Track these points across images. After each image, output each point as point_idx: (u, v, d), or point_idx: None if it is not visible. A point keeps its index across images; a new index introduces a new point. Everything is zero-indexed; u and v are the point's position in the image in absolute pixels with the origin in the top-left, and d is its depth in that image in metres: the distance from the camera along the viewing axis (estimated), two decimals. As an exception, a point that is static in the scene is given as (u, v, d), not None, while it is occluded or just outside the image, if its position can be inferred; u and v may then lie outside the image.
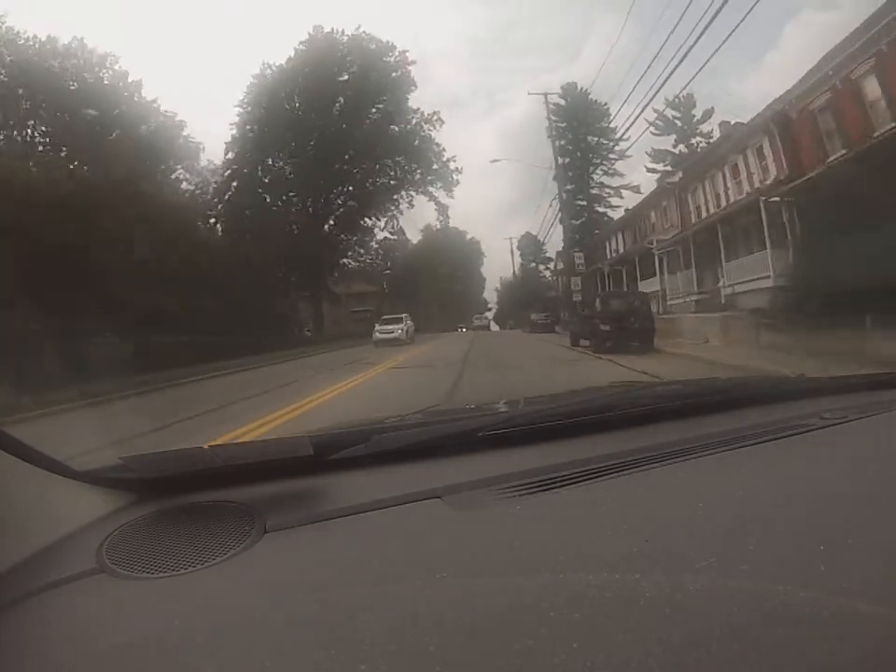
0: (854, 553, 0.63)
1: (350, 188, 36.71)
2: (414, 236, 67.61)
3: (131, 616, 0.62)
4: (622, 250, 32.16)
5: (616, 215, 37.91)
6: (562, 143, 33.77)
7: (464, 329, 59.68)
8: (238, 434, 4.60)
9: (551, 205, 40.63)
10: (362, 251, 40.83)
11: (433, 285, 67.27)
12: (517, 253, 65.60)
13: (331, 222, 37.05)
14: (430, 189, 37.13)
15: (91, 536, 0.76)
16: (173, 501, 0.86)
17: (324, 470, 0.95)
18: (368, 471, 0.96)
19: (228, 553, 0.71)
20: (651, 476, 0.90)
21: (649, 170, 35.34)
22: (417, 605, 0.57)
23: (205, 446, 0.95)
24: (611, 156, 35.98)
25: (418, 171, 37.24)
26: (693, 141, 33.26)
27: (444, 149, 36.46)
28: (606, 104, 34.49)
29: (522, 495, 0.84)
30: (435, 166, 36.63)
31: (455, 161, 36.65)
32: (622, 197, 38.55)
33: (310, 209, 35.61)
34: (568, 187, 34.75)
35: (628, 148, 32.57)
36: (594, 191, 39.01)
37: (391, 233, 62.03)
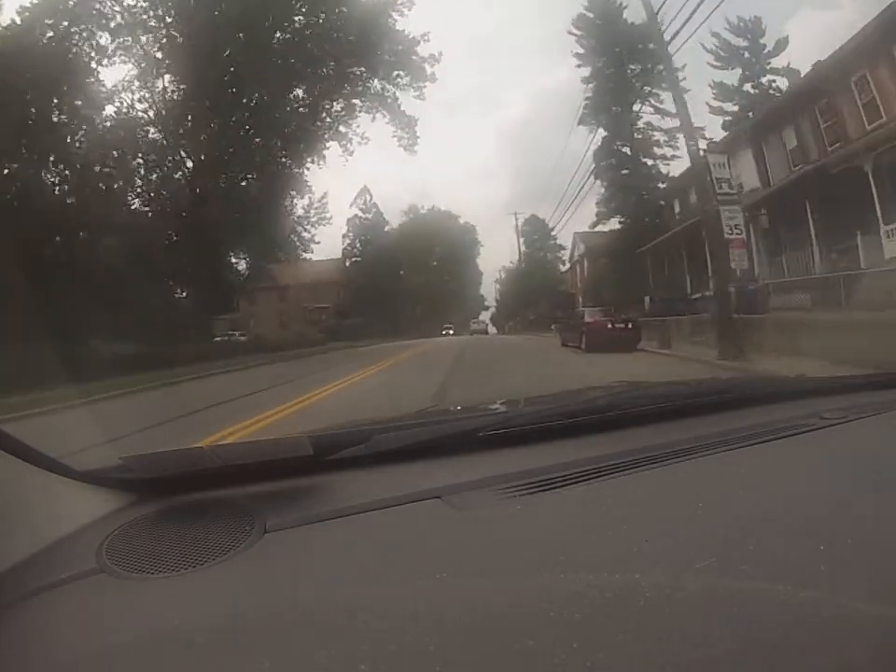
0: (854, 553, 0.63)
1: (267, 117, 21.94)
2: (396, 219, 56.90)
3: (131, 616, 0.62)
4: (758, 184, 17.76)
5: (673, 168, 27.02)
6: (598, 65, 25.88)
7: (450, 333, 46.79)
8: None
9: (576, 174, 34.19)
10: (266, 210, 23.73)
11: (418, 277, 54.48)
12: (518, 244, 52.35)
13: (240, 175, 22.72)
14: (386, 89, 23.20)
15: (90, 536, 0.76)
16: (173, 501, 0.86)
17: (324, 470, 0.95)
18: (368, 471, 0.96)
19: (228, 553, 0.71)
20: (650, 476, 0.90)
21: (712, 110, 25.50)
22: (417, 605, 0.57)
23: (205, 446, 0.95)
24: (663, 86, 24.44)
25: (374, 75, 23.01)
26: (765, 80, 24.25)
27: (410, 34, 22.86)
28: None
29: (522, 495, 0.84)
30: (399, 47, 22.79)
31: (427, 39, 22.90)
32: (676, 146, 27.08)
33: (201, 157, 20.92)
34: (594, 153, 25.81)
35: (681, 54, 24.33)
36: (638, 136, 27.52)
37: (362, 210, 51.99)
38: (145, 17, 20.51)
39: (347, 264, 51.51)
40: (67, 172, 18.03)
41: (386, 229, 54.65)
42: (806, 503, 0.79)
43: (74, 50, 18.74)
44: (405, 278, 54.28)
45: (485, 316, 65.42)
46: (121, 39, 20.34)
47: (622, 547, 0.67)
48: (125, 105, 20.75)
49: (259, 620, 0.57)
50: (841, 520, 0.72)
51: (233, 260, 25.43)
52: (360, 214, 53.94)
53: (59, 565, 0.70)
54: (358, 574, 0.66)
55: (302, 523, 0.79)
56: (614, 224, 29.27)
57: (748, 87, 24.66)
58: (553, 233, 44.29)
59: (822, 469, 0.95)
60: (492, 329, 55.67)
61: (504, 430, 1.09)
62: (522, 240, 49.23)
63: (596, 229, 30.78)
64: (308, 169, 25.22)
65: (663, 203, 26.88)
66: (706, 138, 23.15)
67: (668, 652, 0.47)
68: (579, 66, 27.33)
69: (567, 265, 46.76)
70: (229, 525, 0.78)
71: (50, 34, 18.35)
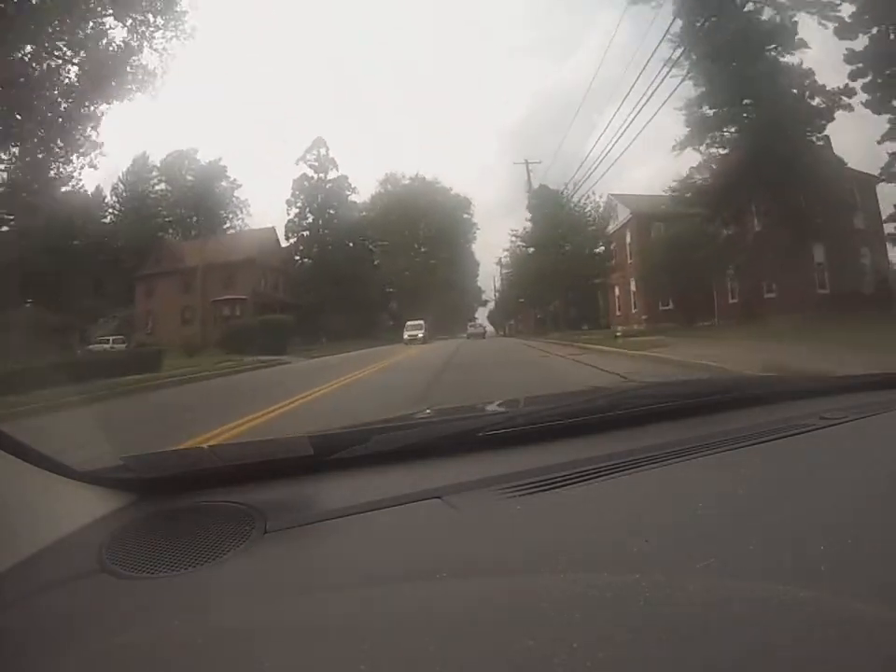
0: (854, 553, 0.63)
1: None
2: (368, 190, 42.54)
3: (131, 616, 0.62)
4: None
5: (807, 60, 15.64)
6: None
7: (418, 336, 29.57)
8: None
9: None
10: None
11: (397, 262, 41.81)
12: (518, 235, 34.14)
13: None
14: None
15: (90, 536, 0.76)
16: (173, 501, 0.86)
17: (324, 470, 0.95)
18: (368, 471, 0.96)
19: (228, 554, 0.71)
20: (651, 476, 0.90)
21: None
22: (417, 605, 0.57)
23: (205, 446, 0.95)
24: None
25: None
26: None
27: None
28: None
29: (522, 495, 0.84)
30: None
31: None
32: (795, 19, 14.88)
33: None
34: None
35: None
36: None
37: (314, 168, 36.29)
38: None
39: (291, 240, 37.31)
40: None
41: (353, 198, 39.98)
42: (806, 503, 0.79)
43: None
44: (378, 263, 40.63)
45: (483, 314, 53.94)
46: None
47: (622, 547, 0.66)
48: None
49: (258, 620, 0.57)
50: (841, 520, 0.72)
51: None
52: (312, 174, 38.25)
53: (59, 565, 0.70)
54: (358, 574, 0.66)
55: (302, 523, 0.79)
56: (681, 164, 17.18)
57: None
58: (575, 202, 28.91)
59: (822, 468, 0.95)
60: (490, 330, 44.16)
61: (504, 430, 1.09)
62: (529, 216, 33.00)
63: (690, 150, 16.86)
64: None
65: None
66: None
67: (668, 652, 0.47)
68: None
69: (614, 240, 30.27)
70: (229, 525, 0.78)
71: None
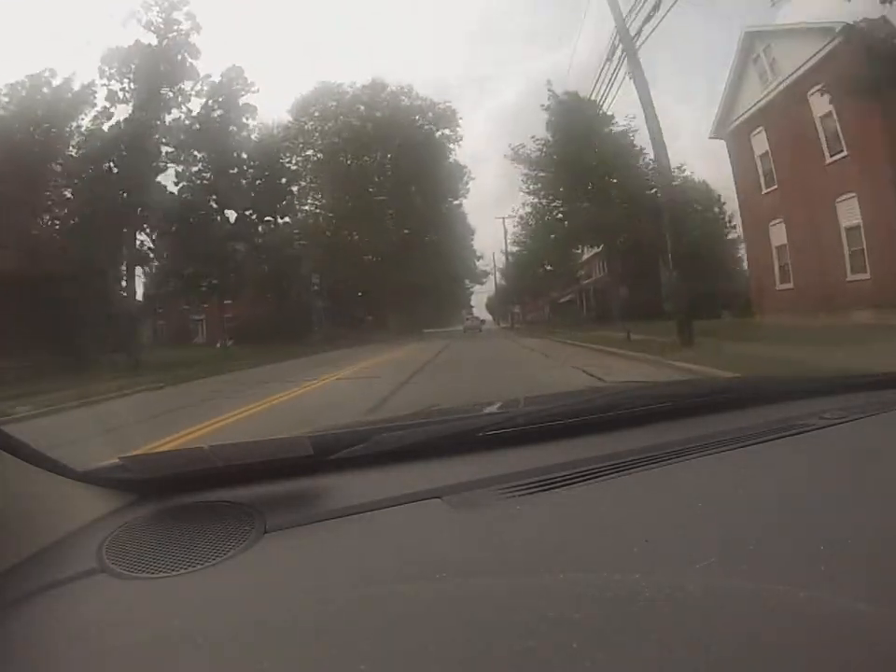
0: (854, 553, 0.63)
1: None
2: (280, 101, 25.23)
3: (131, 616, 0.62)
4: None
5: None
6: None
7: None
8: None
9: None
10: None
11: (340, 215, 25.72)
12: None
13: None
14: None
15: (90, 536, 0.76)
16: (172, 501, 0.86)
17: (324, 470, 0.95)
18: (368, 471, 0.96)
19: (228, 554, 0.71)
20: (651, 476, 0.90)
21: None
22: (417, 605, 0.57)
23: (205, 446, 0.95)
24: None
25: None
26: None
27: None
28: None
29: (522, 495, 0.84)
30: None
31: None
32: None
33: None
34: None
35: None
36: None
37: (155, 31, 19.31)
38: None
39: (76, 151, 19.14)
40: None
41: (245, 99, 22.61)
42: (806, 503, 0.79)
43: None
44: (311, 219, 25.12)
45: (480, 301, 42.54)
46: None
47: (622, 547, 0.67)
48: None
49: (258, 620, 0.57)
50: (841, 520, 0.72)
51: None
52: (153, 42, 19.72)
53: (59, 565, 0.70)
54: (358, 574, 0.66)
55: (302, 523, 0.79)
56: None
57: None
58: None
59: (822, 468, 0.95)
60: (488, 320, 32.46)
61: (504, 430, 1.09)
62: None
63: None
64: None
65: None
66: None
67: (668, 652, 0.47)
68: None
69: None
70: (229, 525, 0.78)
71: None
